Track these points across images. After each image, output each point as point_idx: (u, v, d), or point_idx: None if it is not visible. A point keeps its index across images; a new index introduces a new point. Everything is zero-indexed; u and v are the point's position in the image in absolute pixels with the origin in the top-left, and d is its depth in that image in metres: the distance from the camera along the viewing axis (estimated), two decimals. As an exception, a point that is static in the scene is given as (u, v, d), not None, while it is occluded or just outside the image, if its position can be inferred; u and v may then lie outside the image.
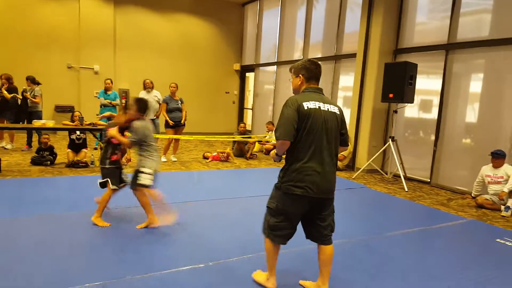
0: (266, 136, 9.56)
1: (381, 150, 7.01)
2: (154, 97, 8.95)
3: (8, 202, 4.30)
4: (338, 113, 2.48)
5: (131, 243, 3.28)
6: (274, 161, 2.67)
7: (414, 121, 7.32)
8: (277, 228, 2.46)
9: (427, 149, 6.89)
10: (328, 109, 2.42)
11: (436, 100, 6.82)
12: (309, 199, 2.37)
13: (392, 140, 6.60)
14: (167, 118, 7.38)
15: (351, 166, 7.78)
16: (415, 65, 6.47)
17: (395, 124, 6.81)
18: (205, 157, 8.10)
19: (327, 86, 9.19)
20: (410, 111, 7.31)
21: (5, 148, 7.79)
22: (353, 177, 6.92)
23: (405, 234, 4.02)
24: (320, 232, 2.51)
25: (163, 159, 7.51)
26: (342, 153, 7.51)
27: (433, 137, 6.80)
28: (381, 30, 7.22)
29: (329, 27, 9.30)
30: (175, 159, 7.62)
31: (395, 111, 6.75)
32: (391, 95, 6.43)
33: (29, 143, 7.89)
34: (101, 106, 8.17)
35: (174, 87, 7.52)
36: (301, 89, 2.51)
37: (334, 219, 2.58)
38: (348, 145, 2.62)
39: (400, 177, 6.52)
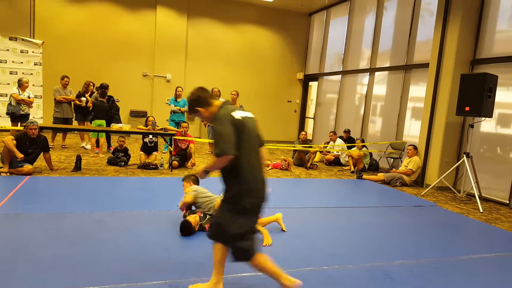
0: (327, 146, 9.40)
1: (454, 167, 6.53)
2: (219, 104, 9.24)
3: (87, 198, 4.71)
4: (254, 117, 2.57)
5: (190, 247, 3.41)
6: (200, 177, 2.56)
7: (491, 136, 6.73)
8: (253, 245, 2.44)
9: (506, 168, 6.29)
10: (250, 116, 2.50)
11: (519, 115, 6.22)
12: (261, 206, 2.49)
13: (467, 157, 6.12)
14: None
15: (419, 182, 7.34)
16: (495, 77, 5.96)
17: (471, 139, 6.31)
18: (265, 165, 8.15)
19: (396, 96, 8.82)
20: (487, 126, 6.73)
21: (85, 148, 8.54)
22: (421, 194, 6.52)
23: (479, 259, 3.69)
24: None
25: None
26: (409, 167, 7.15)
27: (514, 155, 6.20)
28: (458, 39, 6.77)
29: (399, 35, 8.94)
30: (237, 166, 7.77)
31: (471, 125, 6.26)
32: (467, 108, 5.99)
33: (109, 144, 8.58)
34: (171, 112, 8.65)
35: (235, 95, 7.75)
36: (215, 111, 2.46)
37: None
38: (263, 144, 2.65)
39: (474, 196, 6.01)
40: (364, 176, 7.56)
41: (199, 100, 2.48)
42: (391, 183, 7.18)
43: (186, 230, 3.62)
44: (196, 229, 3.70)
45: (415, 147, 7.39)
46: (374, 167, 8.63)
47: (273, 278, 2.49)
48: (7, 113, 7.61)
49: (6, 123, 8.19)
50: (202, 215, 3.81)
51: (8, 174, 5.57)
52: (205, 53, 12.01)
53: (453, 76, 6.81)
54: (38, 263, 2.85)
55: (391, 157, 8.49)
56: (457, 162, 6.60)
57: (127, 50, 11.24)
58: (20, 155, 5.60)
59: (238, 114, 2.38)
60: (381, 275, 3.11)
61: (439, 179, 6.58)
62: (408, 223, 4.75)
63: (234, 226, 2.36)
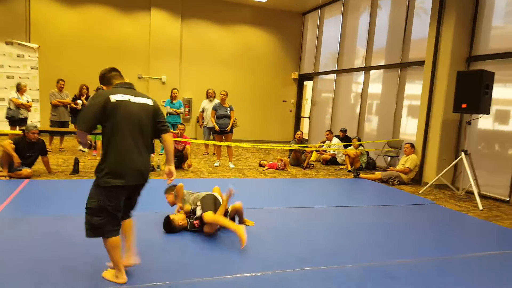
0: (323, 146, 9.39)
1: (452, 164, 6.52)
2: (216, 106, 9.24)
3: (86, 200, 4.65)
4: (151, 104, 2.70)
5: (190, 247, 3.39)
6: (84, 147, 2.88)
7: (489, 133, 6.74)
8: (104, 224, 2.50)
9: (505, 164, 6.29)
10: (139, 101, 2.60)
11: (516, 111, 6.23)
12: (127, 188, 2.53)
13: (465, 154, 6.12)
14: (214, 124, 7.73)
15: (418, 180, 7.34)
16: (492, 74, 5.97)
17: (468, 136, 6.32)
18: (261, 165, 8.15)
19: (392, 95, 8.83)
20: (484, 122, 6.75)
21: (82, 151, 8.49)
22: (420, 192, 6.52)
23: (480, 257, 3.68)
24: (129, 211, 2.79)
25: (216, 163, 7.83)
26: (407, 165, 7.14)
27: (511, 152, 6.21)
28: (453, 36, 6.78)
29: (394, 33, 8.95)
30: (233, 166, 7.77)
31: (469, 123, 6.26)
32: (464, 105, 5.99)
33: None
34: (167, 114, 8.62)
35: (224, 95, 7.79)
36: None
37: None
38: (169, 131, 2.81)
39: (473, 194, 6.00)
40: (361, 175, 7.55)
41: (103, 78, 2.69)
42: (389, 182, 7.17)
43: (166, 224, 3.72)
44: (182, 224, 3.75)
45: (412, 145, 7.39)
46: (371, 166, 8.62)
47: (112, 264, 2.63)
48: (7, 117, 7.66)
49: (4, 127, 8.19)
50: (190, 213, 3.90)
51: (7, 178, 5.56)
52: (199, 54, 11.98)
53: (449, 73, 6.82)
54: (38, 266, 2.81)
55: (388, 156, 8.49)
56: (455, 159, 6.60)
57: (122, 53, 11.19)
58: (18, 160, 5.56)
59: (116, 97, 2.48)
60: (380, 274, 3.09)
61: (437, 177, 6.57)
62: (406, 222, 4.74)
63: (90, 200, 2.53)
